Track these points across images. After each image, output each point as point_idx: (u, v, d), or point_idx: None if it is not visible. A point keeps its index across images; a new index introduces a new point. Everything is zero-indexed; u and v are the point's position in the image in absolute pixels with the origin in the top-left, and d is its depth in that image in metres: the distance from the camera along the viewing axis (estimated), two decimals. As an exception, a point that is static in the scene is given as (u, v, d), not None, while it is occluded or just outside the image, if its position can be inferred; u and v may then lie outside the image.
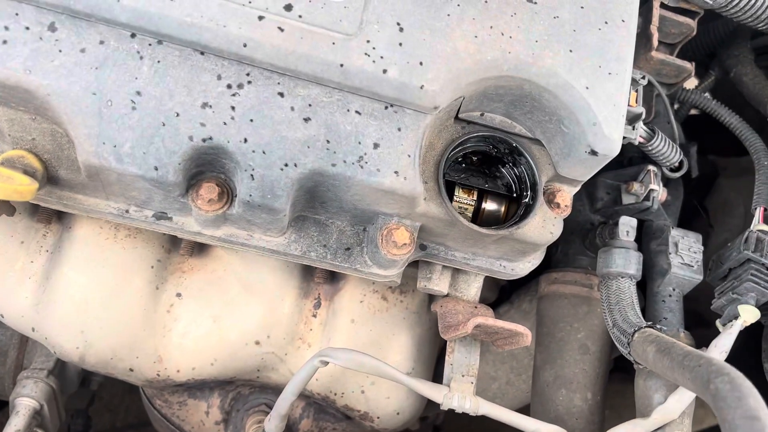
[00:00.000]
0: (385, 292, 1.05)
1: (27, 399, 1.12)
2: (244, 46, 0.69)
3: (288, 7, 0.71)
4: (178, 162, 0.70)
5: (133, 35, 0.69)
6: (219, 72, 0.71)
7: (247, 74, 0.71)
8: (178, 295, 1.00)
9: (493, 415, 0.87)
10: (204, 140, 0.70)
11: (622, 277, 0.91)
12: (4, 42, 0.67)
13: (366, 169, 0.73)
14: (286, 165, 0.71)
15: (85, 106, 0.68)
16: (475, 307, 0.93)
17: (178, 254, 1.00)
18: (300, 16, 0.71)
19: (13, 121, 0.73)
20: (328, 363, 0.86)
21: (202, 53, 0.71)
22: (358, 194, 0.76)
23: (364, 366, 0.85)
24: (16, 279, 0.96)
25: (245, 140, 0.70)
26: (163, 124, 0.69)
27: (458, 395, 0.88)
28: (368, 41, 0.72)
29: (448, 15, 0.74)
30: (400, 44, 0.72)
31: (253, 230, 0.81)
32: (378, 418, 1.06)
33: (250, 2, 0.70)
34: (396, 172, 0.73)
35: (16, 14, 0.67)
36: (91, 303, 0.95)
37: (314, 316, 1.04)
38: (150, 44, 0.70)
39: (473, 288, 0.94)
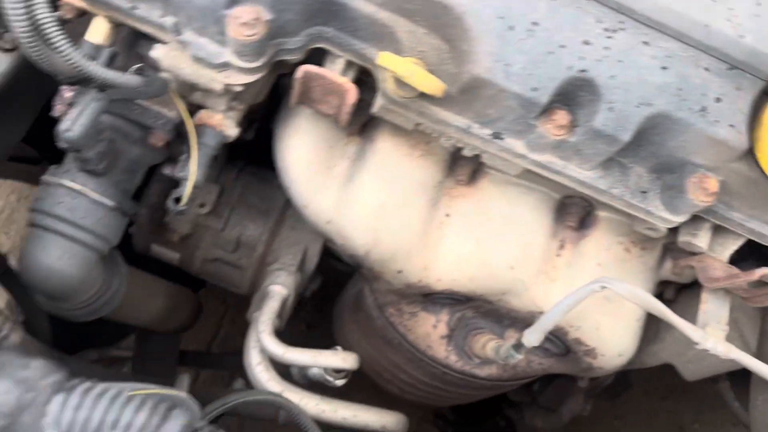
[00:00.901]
0: (629, 244, 1.15)
1: (280, 287, 1.28)
2: (627, -4, 0.81)
3: (670, -31, 0.82)
4: (553, 87, 0.82)
5: (535, -26, 0.82)
6: (599, 16, 0.83)
7: (621, 22, 0.83)
8: (447, 215, 1.13)
9: (742, 362, 0.97)
10: (580, 71, 0.82)
11: None
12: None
13: (706, 119, 0.84)
14: (641, 104, 0.83)
15: (491, 28, 0.81)
16: (730, 267, 1.03)
17: (453, 180, 1.13)
18: (680, -21, 0.82)
19: (411, 32, 0.86)
20: (605, 288, 0.97)
21: (587, -2, 0.83)
22: (686, 141, 0.87)
23: (638, 298, 0.97)
24: (323, 177, 1.10)
25: (613, 77, 0.82)
26: (550, 53, 0.82)
27: (712, 339, 0.98)
28: (731, 9, 0.82)
29: (798, -3, 0.85)
30: (757, 15, 0.83)
31: (571, 160, 0.93)
32: (602, 355, 1.17)
33: (640, -40, 0.81)
34: (731, 126, 0.84)
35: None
36: (386, 208, 1.08)
37: (558, 255, 1.16)
38: (548, -16, 0.82)
39: (728, 250, 1.04)
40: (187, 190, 0.93)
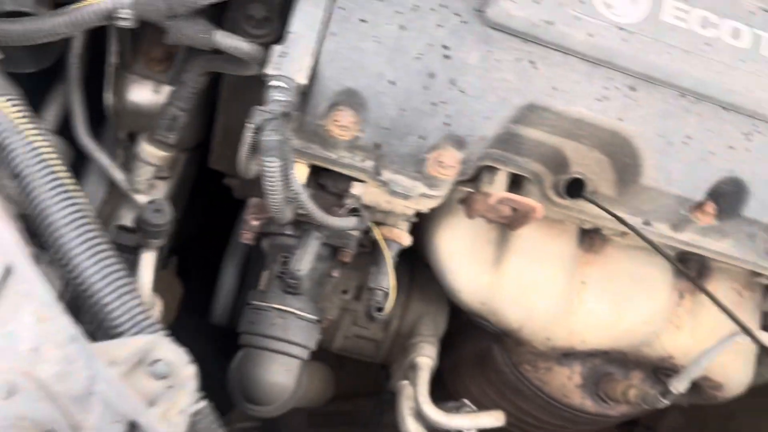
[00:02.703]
0: (741, 288, 1.31)
1: (427, 358, 1.42)
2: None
3: (792, 79, 0.98)
4: (706, 187, 0.98)
5: (682, 95, 0.97)
6: (736, 123, 0.98)
7: (755, 125, 0.99)
8: (583, 282, 1.28)
9: None
10: (728, 172, 0.98)
11: None
12: (606, 98, 0.95)
13: None
14: (784, 191, 0.99)
15: (654, 145, 0.96)
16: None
17: (583, 250, 1.28)
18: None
19: (576, 150, 1.01)
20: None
21: (724, 108, 0.98)
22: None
23: (780, 344, 1.12)
24: (474, 264, 1.24)
25: (755, 173, 0.98)
26: (703, 159, 0.97)
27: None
28: None
29: None
30: None
31: (710, 236, 1.08)
32: (727, 388, 1.33)
33: (770, 74, 0.97)
34: None
35: (610, 78, 0.96)
36: (534, 285, 1.23)
37: (679, 305, 1.31)
38: (692, 102, 0.98)
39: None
40: (390, 302, 1.07)
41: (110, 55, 1.11)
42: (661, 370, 1.39)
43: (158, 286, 1.03)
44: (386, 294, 1.09)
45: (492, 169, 1.09)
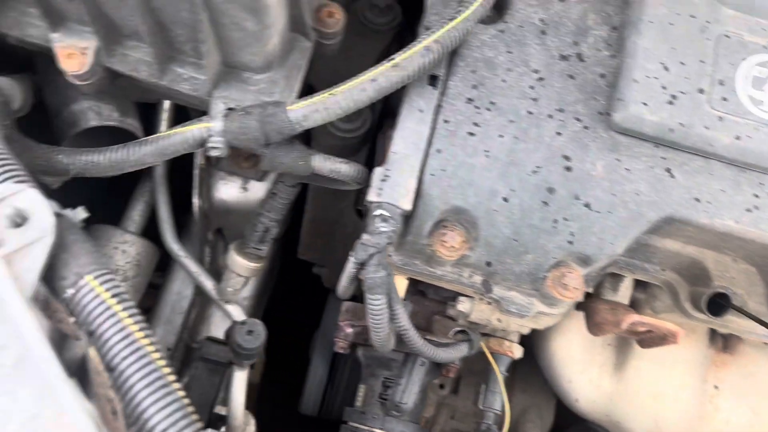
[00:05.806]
0: None
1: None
2: None
3: None
4: None
5: None
6: None
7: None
8: (716, 387, 1.13)
9: None
10: None
11: None
12: (756, 207, 0.81)
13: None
14: None
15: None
16: None
17: (712, 350, 1.13)
18: None
19: (717, 261, 0.88)
20: None
21: None
22: None
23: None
24: (591, 371, 1.12)
25: None
26: None
27: None
28: None
29: None
30: None
31: None
32: None
33: None
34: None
35: (761, 184, 0.82)
36: (664, 394, 1.09)
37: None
38: None
39: None
40: (505, 426, 0.95)
41: (197, 156, 1.06)
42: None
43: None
44: (497, 416, 0.98)
45: (616, 275, 0.97)
